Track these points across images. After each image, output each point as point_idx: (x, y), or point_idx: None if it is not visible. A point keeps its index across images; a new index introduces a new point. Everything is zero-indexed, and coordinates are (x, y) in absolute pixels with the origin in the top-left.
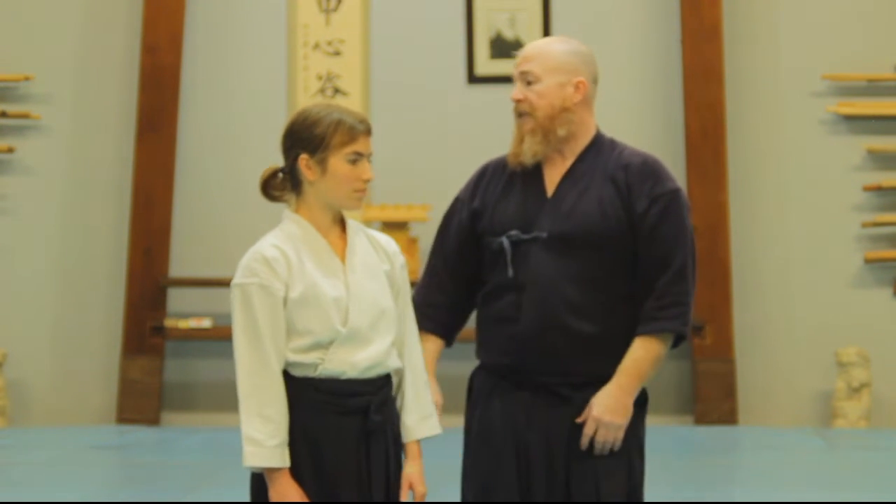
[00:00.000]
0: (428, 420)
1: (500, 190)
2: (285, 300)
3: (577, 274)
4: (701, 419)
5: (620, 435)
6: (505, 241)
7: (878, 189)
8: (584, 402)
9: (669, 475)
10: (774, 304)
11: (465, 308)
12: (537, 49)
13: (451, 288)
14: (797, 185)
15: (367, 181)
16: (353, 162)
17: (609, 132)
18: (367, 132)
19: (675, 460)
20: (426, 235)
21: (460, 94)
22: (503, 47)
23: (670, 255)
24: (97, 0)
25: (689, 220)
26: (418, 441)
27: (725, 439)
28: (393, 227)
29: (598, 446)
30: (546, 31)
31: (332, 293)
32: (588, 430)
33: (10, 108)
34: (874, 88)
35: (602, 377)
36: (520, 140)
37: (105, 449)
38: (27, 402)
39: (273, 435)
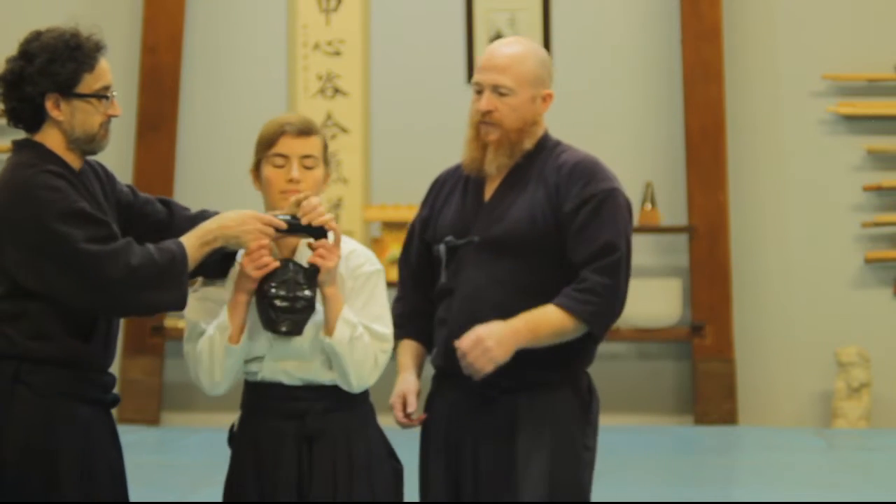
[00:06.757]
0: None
1: (446, 196)
2: None
3: (505, 278)
4: (701, 419)
5: (489, 368)
6: (441, 247)
7: (878, 189)
8: (509, 406)
9: (669, 475)
10: (774, 304)
11: (431, 315)
12: (509, 60)
13: (416, 297)
14: (797, 185)
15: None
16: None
17: (609, 133)
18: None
19: (675, 460)
20: None
21: (460, 94)
22: None
23: (600, 252)
24: (97, 0)
25: (627, 222)
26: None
27: (725, 439)
28: (393, 227)
29: (463, 365)
30: (546, 31)
31: None
32: (464, 342)
33: None
34: (874, 88)
35: (528, 381)
36: (479, 147)
37: None
38: None
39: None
